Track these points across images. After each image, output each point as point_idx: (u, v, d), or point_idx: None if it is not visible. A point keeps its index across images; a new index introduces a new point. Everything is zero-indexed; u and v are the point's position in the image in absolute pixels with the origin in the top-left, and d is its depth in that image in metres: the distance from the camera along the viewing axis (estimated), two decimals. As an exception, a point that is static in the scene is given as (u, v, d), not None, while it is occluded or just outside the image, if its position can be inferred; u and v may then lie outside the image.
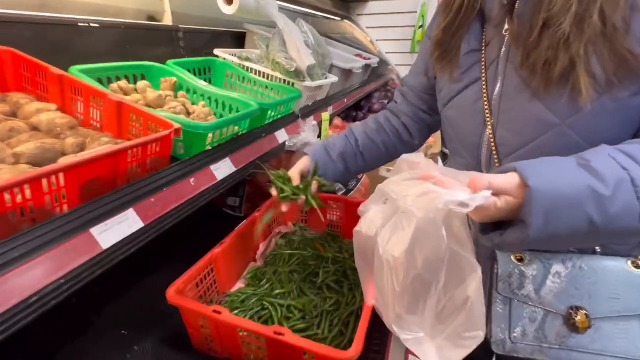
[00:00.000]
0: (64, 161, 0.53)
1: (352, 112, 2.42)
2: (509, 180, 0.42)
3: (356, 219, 0.60)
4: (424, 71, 0.80)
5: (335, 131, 1.81)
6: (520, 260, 0.57)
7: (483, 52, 0.61)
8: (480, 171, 0.64)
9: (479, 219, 0.45)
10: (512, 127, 0.57)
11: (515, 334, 0.57)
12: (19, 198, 0.42)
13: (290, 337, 0.58)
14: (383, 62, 2.70)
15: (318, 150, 0.89)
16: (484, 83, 0.60)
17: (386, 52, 2.93)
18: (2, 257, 0.41)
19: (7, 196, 0.41)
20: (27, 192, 0.44)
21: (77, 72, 0.76)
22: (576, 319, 0.53)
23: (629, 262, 0.53)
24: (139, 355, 0.76)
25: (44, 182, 0.44)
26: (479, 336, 0.45)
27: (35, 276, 0.44)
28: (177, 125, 0.64)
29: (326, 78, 1.39)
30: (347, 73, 1.66)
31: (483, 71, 0.60)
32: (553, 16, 0.47)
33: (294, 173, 0.84)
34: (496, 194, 0.42)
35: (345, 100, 1.69)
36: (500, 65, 0.58)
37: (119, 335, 0.81)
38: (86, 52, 0.98)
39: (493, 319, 0.58)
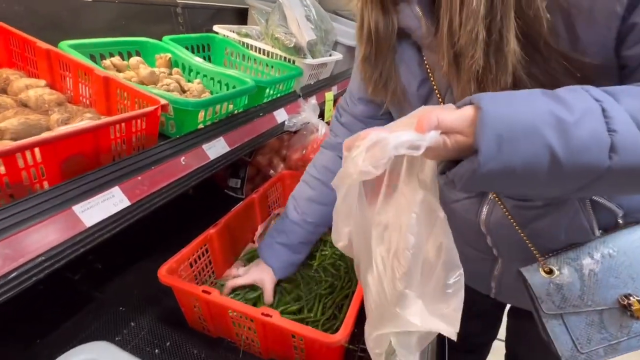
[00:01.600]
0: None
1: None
2: (461, 116, 0.36)
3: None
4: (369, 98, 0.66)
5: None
6: (550, 272, 0.53)
7: (432, 79, 0.53)
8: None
9: (428, 157, 0.39)
10: None
11: (580, 345, 0.54)
12: (-8, 173, 0.41)
13: (278, 319, 0.57)
14: (394, 40, 2.57)
15: (280, 257, 0.79)
16: (437, 93, 0.53)
17: (398, 30, 2.80)
18: (-22, 232, 0.41)
19: (-22, 171, 0.40)
20: (1, 168, 0.42)
21: (66, 47, 0.74)
22: (632, 308, 0.50)
23: None
24: (135, 331, 0.77)
25: (19, 156, 0.43)
26: (461, 276, 0.43)
27: (15, 252, 0.43)
28: (163, 101, 0.62)
29: (330, 55, 1.33)
30: (352, 51, 1.59)
31: (440, 101, 0.54)
32: (461, 48, 0.41)
33: (268, 295, 0.77)
34: (446, 132, 0.36)
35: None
36: (455, 91, 0.50)
37: (117, 311, 0.82)
38: (80, 28, 0.95)
39: (554, 339, 0.55)
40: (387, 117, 0.69)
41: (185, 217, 1.18)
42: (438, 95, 0.53)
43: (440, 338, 0.97)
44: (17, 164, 0.43)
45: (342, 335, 0.54)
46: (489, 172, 0.34)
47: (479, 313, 0.90)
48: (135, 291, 0.88)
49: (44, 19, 0.87)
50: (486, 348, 1.11)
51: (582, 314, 0.53)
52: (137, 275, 0.94)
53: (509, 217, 0.55)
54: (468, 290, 0.83)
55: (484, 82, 0.42)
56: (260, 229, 1.04)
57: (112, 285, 0.91)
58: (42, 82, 0.71)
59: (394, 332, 0.47)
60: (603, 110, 0.33)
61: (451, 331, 0.43)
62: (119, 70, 0.86)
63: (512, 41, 0.39)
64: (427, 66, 0.53)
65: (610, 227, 0.52)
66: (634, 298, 0.49)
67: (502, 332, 1.36)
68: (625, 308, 0.50)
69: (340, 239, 0.52)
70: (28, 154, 0.44)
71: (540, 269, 0.53)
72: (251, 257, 0.92)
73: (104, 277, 0.93)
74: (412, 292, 0.45)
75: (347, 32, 1.49)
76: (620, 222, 0.51)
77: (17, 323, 0.79)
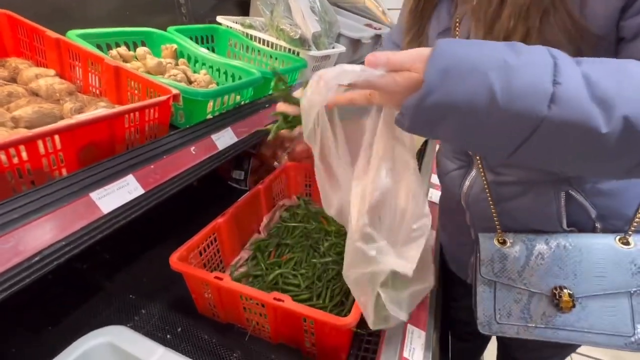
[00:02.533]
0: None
1: (360, 86, 2.35)
2: (414, 53, 0.36)
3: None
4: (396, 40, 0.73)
5: (342, 105, 1.76)
6: (503, 243, 0.57)
7: (456, 30, 0.55)
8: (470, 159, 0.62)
9: (385, 101, 0.41)
10: None
11: (500, 315, 0.58)
12: (15, 159, 0.42)
13: (290, 304, 0.59)
14: (394, 34, 2.58)
15: None
16: None
17: (398, 23, 2.79)
18: (2, 217, 0.42)
19: (3, 157, 0.40)
20: (24, 154, 0.43)
21: (75, 37, 0.74)
22: (560, 298, 0.53)
23: (617, 239, 0.51)
24: (146, 318, 0.78)
25: (40, 143, 0.44)
26: (426, 224, 0.46)
27: (37, 237, 0.44)
28: (175, 91, 0.62)
29: (333, 47, 1.33)
30: (355, 43, 1.59)
31: (456, 32, 0.55)
32: None
33: None
34: (396, 69, 0.37)
35: (353, 73, 1.63)
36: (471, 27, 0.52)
37: (127, 299, 0.84)
38: (84, 18, 0.95)
39: (478, 301, 0.59)
40: None
41: (189, 208, 1.19)
42: None
43: (444, 328, 1.00)
44: (38, 151, 0.44)
45: (352, 318, 0.56)
46: (432, 105, 0.35)
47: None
48: (144, 280, 0.89)
49: (49, 8, 0.87)
50: (485, 338, 1.14)
51: (513, 290, 0.56)
52: (144, 265, 0.95)
53: (487, 190, 0.58)
54: (456, 280, 0.86)
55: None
56: (265, 219, 1.05)
57: (120, 274, 0.92)
58: (52, 72, 0.71)
59: (384, 290, 0.50)
60: (555, 64, 0.33)
61: (408, 267, 0.46)
62: (125, 60, 0.86)
63: None
64: (457, 17, 0.55)
65: (582, 227, 0.53)
66: (566, 291, 0.52)
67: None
68: (554, 297, 0.53)
69: (330, 207, 0.55)
70: (48, 141, 0.45)
71: (495, 239, 0.57)
72: (257, 247, 0.94)
73: (112, 267, 0.94)
74: (378, 234, 0.47)
75: (349, 25, 1.49)
76: (598, 226, 0.53)
77: (27, 311, 0.80)
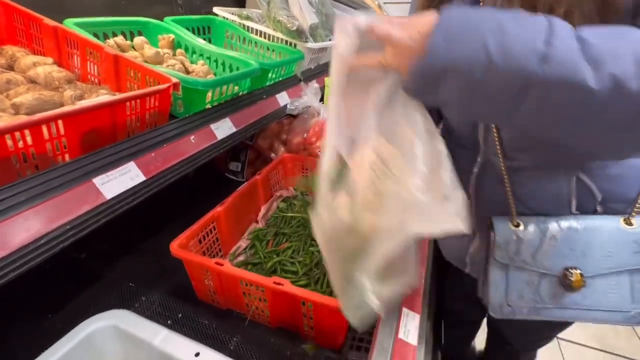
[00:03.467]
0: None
1: (356, 80, 2.36)
2: (425, 16, 0.40)
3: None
4: None
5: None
6: (517, 225, 0.57)
7: (482, 3, 0.54)
8: (478, 140, 0.61)
9: (396, 62, 0.43)
10: None
11: (512, 298, 0.58)
12: (20, 143, 0.43)
13: (289, 287, 0.61)
14: (390, 28, 2.58)
15: None
16: None
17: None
18: (8, 200, 0.43)
19: (8, 141, 0.41)
20: (28, 139, 0.44)
21: (72, 25, 0.74)
22: (571, 279, 0.54)
23: (622, 220, 0.53)
24: (146, 304, 0.80)
25: (44, 128, 0.44)
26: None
27: (42, 220, 0.45)
28: (175, 80, 0.63)
29: (330, 40, 1.34)
30: (351, 36, 1.60)
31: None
32: None
33: None
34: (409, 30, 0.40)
35: (349, 66, 1.64)
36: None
37: (127, 287, 0.85)
38: (79, 7, 0.94)
39: (490, 285, 0.59)
40: None
41: (187, 199, 1.20)
42: None
43: (438, 315, 1.02)
44: (42, 136, 0.45)
45: (350, 300, 0.58)
46: (435, 65, 0.38)
47: (465, 294, 0.95)
48: (142, 268, 0.90)
49: (45, -3, 0.86)
50: (476, 325, 1.17)
51: (526, 272, 0.57)
52: (143, 254, 0.96)
53: (505, 174, 0.58)
54: (452, 270, 0.86)
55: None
56: (263, 209, 1.07)
57: (119, 263, 0.93)
58: (50, 60, 0.71)
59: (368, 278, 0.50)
60: (550, 26, 0.36)
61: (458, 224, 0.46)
62: (122, 49, 0.86)
63: None
64: None
65: (585, 210, 0.56)
66: (577, 271, 0.54)
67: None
68: (565, 277, 0.55)
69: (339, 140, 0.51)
70: (52, 126, 0.46)
71: (510, 222, 0.58)
72: (256, 236, 0.95)
73: (110, 256, 0.95)
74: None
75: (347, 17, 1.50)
76: (599, 209, 0.55)
77: (27, 299, 0.80)
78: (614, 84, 0.34)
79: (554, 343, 1.63)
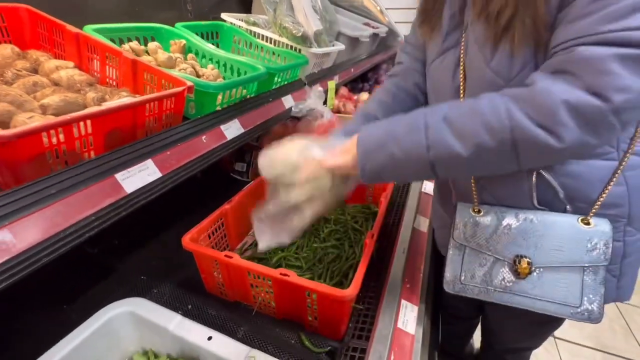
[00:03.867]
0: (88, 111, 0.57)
1: (358, 84, 2.41)
2: (347, 143, 0.62)
3: (360, 186, 0.68)
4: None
5: (342, 101, 1.82)
6: (477, 212, 0.64)
7: (464, 14, 0.62)
8: None
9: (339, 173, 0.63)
10: (473, 94, 0.59)
11: (464, 277, 0.65)
12: (54, 140, 0.47)
13: (295, 278, 0.65)
14: (392, 33, 2.64)
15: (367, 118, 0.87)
16: (462, 47, 0.62)
17: (396, 22, 2.85)
18: (43, 191, 0.47)
19: (44, 138, 0.45)
20: (61, 136, 0.48)
21: (91, 31, 0.79)
22: (519, 265, 0.60)
23: (579, 219, 0.57)
24: (158, 296, 0.84)
25: (74, 127, 0.49)
26: None
27: (71, 211, 0.49)
28: (189, 83, 0.67)
29: (333, 45, 1.39)
30: (354, 41, 1.65)
31: (463, 34, 0.62)
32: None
33: None
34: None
35: (352, 70, 1.69)
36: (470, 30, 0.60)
37: (139, 280, 0.89)
38: (95, 12, 0.99)
39: (448, 262, 0.67)
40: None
41: (194, 198, 1.24)
42: (464, 28, 0.63)
43: (435, 311, 1.06)
44: (72, 134, 0.49)
45: (352, 290, 0.62)
46: (369, 171, 0.58)
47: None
48: (153, 262, 0.94)
49: (63, 3, 0.91)
50: (471, 323, 1.21)
51: (480, 255, 0.64)
52: (153, 249, 1.00)
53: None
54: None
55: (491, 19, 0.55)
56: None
57: (130, 257, 0.97)
58: (71, 64, 0.76)
59: None
60: (425, 123, 0.54)
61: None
62: (137, 54, 0.90)
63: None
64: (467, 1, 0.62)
65: (553, 207, 0.60)
66: (525, 259, 0.59)
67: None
68: (514, 264, 0.60)
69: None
70: (82, 125, 0.50)
71: (472, 208, 0.65)
72: (261, 233, 0.99)
73: (122, 251, 0.99)
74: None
75: (349, 24, 1.54)
76: (569, 208, 0.59)
77: (42, 291, 0.84)
78: (480, 149, 0.50)
79: (550, 342, 1.66)
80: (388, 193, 0.98)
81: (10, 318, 0.77)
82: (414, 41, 0.83)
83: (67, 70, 0.72)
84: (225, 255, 0.70)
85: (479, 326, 1.17)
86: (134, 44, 0.92)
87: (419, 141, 0.53)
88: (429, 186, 1.27)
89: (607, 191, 0.56)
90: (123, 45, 0.90)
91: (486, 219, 0.63)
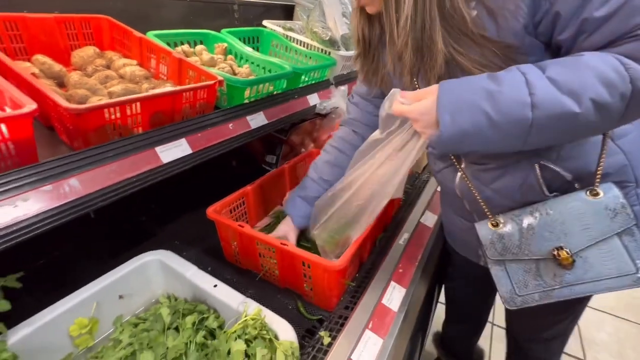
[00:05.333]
0: (140, 97, 0.73)
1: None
2: (427, 90, 0.54)
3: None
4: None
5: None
6: (496, 225, 0.64)
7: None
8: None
9: (418, 127, 0.57)
10: None
11: (518, 289, 0.63)
12: (112, 116, 0.63)
13: (292, 248, 0.74)
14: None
15: (300, 208, 0.95)
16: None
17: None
18: (103, 154, 0.63)
19: (106, 114, 0.61)
20: (118, 114, 0.64)
21: (152, 36, 0.97)
22: (560, 257, 0.58)
23: (587, 193, 0.56)
24: (185, 258, 0.98)
25: (127, 107, 0.64)
26: None
27: (123, 170, 0.65)
28: (220, 78, 0.81)
29: (363, 49, 1.46)
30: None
31: (416, 84, 0.64)
32: (400, 52, 0.57)
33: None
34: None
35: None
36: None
37: (173, 244, 1.05)
38: (160, 20, 1.20)
39: (497, 282, 0.65)
40: (379, 97, 0.89)
41: (228, 183, 1.40)
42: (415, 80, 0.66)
43: (429, 296, 1.07)
44: (126, 112, 0.65)
45: (340, 262, 0.69)
46: (450, 136, 0.51)
47: (470, 280, 0.99)
48: (187, 231, 1.11)
49: (132, 14, 1.12)
50: (478, 322, 1.18)
51: (521, 262, 0.62)
52: (189, 219, 1.17)
53: (467, 181, 0.67)
54: (460, 259, 0.94)
55: (419, 74, 0.58)
56: (288, 195, 1.22)
57: (170, 226, 1.15)
58: (134, 62, 0.94)
59: None
60: (526, 80, 0.47)
61: None
62: (187, 55, 1.08)
63: (439, 42, 0.53)
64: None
65: (565, 191, 0.60)
66: (563, 250, 0.58)
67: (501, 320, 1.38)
68: (554, 258, 0.58)
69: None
70: (133, 106, 0.65)
71: (489, 223, 0.64)
72: (278, 215, 1.11)
73: (164, 220, 1.17)
74: None
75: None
76: (577, 186, 0.59)
77: (100, 247, 1.04)
78: (596, 105, 0.45)
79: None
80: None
81: (67, 261, 0.97)
82: (363, 92, 0.90)
83: (131, 67, 0.91)
84: (239, 225, 0.82)
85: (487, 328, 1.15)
86: (186, 46, 1.09)
87: (520, 99, 0.46)
88: (448, 187, 1.28)
89: (602, 162, 0.56)
90: (176, 48, 1.08)
91: (507, 229, 0.62)
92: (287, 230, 0.94)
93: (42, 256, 0.95)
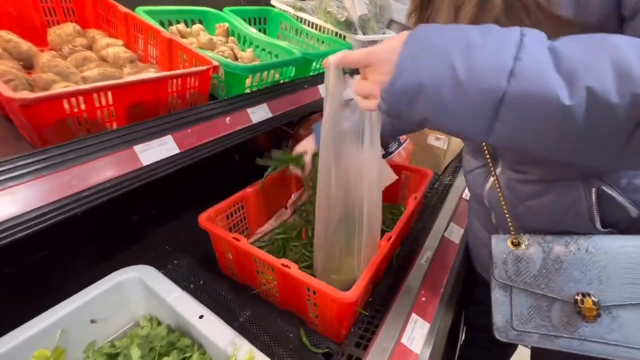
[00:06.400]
0: (116, 85, 0.60)
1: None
2: (396, 36, 0.41)
3: (394, 184, 0.61)
4: None
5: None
6: (517, 245, 0.53)
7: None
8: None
9: (369, 87, 0.44)
10: None
11: (517, 322, 0.55)
12: (75, 108, 0.50)
13: (295, 271, 0.62)
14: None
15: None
16: None
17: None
18: (64, 155, 0.51)
19: (65, 105, 0.49)
20: (82, 105, 0.51)
21: (141, 13, 0.84)
22: (582, 306, 0.48)
23: None
24: (176, 267, 0.88)
25: (95, 96, 0.51)
26: None
27: (86, 176, 0.53)
28: (215, 63, 0.67)
29: (384, 33, 1.30)
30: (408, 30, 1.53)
31: None
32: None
33: (307, 163, 0.91)
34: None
35: (404, 61, 1.58)
36: None
37: (164, 250, 0.94)
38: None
39: (494, 306, 0.56)
40: None
41: (230, 177, 1.28)
42: None
43: (455, 330, 0.95)
44: (94, 103, 0.52)
45: (352, 294, 0.57)
46: (403, 86, 0.38)
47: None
48: (180, 235, 1.00)
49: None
50: (505, 347, 1.07)
51: (531, 295, 0.52)
52: (183, 222, 1.06)
53: (499, 191, 0.55)
54: (479, 281, 0.81)
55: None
56: (293, 196, 1.09)
57: (162, 228, 1.04)
58: (120, 42, 0.81)
59: None
60: (521, 41, 0.34)
61: None
62: (182, 36, 0.95)
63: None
64: None
65: (623, 228, 0.47)
66: (589, 298, 0.47)
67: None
68: (576, 304, 0.48)
69: None
70: (102, 95, 0.53)
71: (509, 240, 0.53)
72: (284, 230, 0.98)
73: (157, 220, 1.06)
74: None
75: (403, 10, 1.44)
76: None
77: (87, 247, 0.94)
78: (591, 98, 0.31)
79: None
80: (420, 194, 0.89)
81: (50, 267, 0.87)
82: None
83: (114, 48, 0.78)
84: (234, 238, 0.70)
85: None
86: (181, 26, 0.96)
87: (501, 60, 0.33)
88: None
89: None
90: (171, 27, 0.94)
91: (529, 253, 0.52)
92: (306, 146, 0.91)
93: (16, 261, 0.85)
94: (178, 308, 0.58)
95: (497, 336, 0.58)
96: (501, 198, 0.56)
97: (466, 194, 1.09)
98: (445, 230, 0.91)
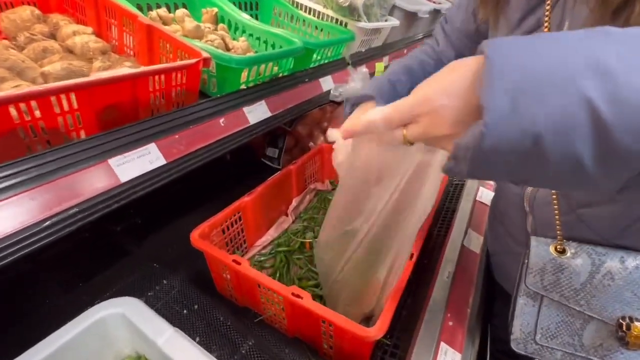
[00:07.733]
0: (83, 83, 0.49)
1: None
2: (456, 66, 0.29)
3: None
4: (472, 10, 0.62)
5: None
6: (562, 252, 0.47)
7: (546, 12, 0.45)
8: None
9: (428, 135, 0.31)
10: None
11: (541, 335, 0.49)
12: (28, 116, 0.39)
13: (308, 302, 0.53)
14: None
15: (384, 88, 0.62)
16: (546, 28, 0.45)
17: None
18: (15, 176, 0.40)
19: (13, 111, 0.37)
20: (37, 112, 0.40)
21: (115, -6, 0.71)
22: (628, 332, 0.43)
23: None
24: (166, 289, 0.78)
25: (53, 100, 0.40)
26: None
27: (49, 200, 0.42)
28: (205, 55, 0.56)
29: (386, 20, 1.20)
30: (410, 17, 1.43)
31: (547, 12, 0.45)
32: None
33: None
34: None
35: (405, 51, 1.48)
36: (569, 3, 0.42)
37: (152, 268, 0.84)
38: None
39: (516, 314, 0.51)
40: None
41: (221, 181, 1.17)
42: (548, 5, 0.45)
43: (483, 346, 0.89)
44: (52, 109, 0.41)
45: (377, 331, 0.48)
46: (502, 140, 0.24)
47: None
48: (169, 249, 0.89)
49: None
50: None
51: (566, 310, 0.47)
52: (172, 234, 0.95)
53: (554, 197, 0.48)
54: (502, 293, 0.75)
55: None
56: (294, 202, 1.00)
57: (149, 241, 0.92)
58: (89, 30, 0.69)
59: None
60: (606, 31, 0.23)
61: None
62: (164, 22, 0.82)
63: None
64: None
65: None
66: (637, 324, 0.42)
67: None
68: (620, 328, 0.43)
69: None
70: (63, 98, 0.41)
71: (553, 246, 0.47)
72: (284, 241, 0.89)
73: (142, 231, 0.95)
74: None
75: (407, -5, 1.33)
76: None
77: (61, 267, 0.82)
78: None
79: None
80: (436, 202, 0.81)
81: (27, 292, 0.76)
82: (460, 24, 0.65)
83: (82, 37, 0.66)
84: (234, 261, 0.60)
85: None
86: (162, 10, 0.83)
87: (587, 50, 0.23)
88: (485, 194, 1.06)
89: None
90: (150, 12, 0.81)
91: (575, 263, 0.46)
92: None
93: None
94: (171, 354, 0.48)
95: (514, 347, 0.53)
96: (555, 202, 0.49)
97: (480, 196, 1.02)
98: (464, 239, 0.83)
